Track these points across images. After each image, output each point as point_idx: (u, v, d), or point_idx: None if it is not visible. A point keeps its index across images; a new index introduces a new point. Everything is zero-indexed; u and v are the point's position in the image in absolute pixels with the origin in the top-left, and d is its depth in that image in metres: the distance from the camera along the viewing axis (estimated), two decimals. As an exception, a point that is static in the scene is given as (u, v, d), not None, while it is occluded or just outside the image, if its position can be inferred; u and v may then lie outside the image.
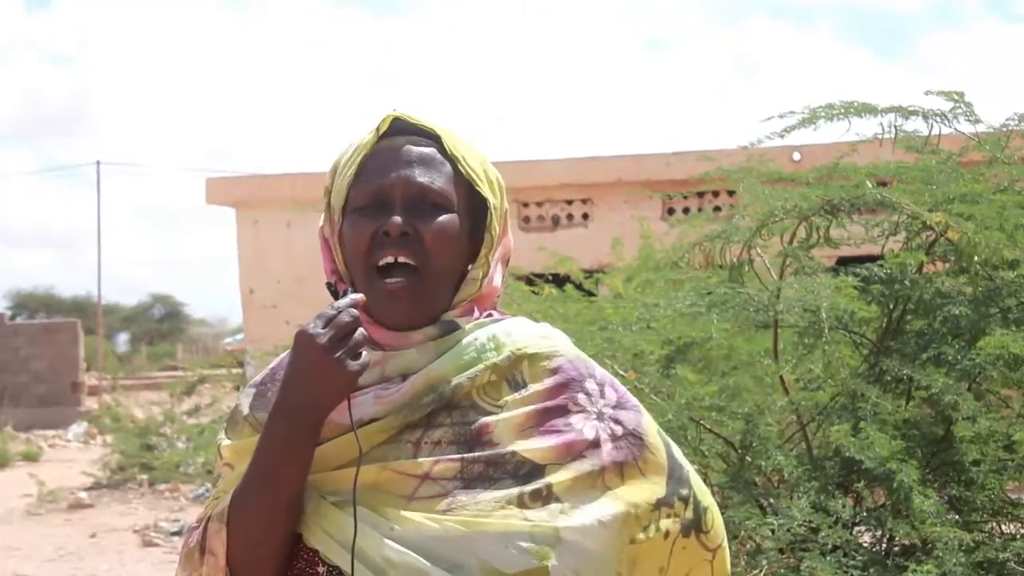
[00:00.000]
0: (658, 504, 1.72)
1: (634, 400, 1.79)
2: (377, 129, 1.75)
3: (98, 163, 52.97)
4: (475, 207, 1.76)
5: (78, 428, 23.71)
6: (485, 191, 1.75)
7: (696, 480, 1.80)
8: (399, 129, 1.75)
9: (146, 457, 15.87)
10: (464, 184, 1.74)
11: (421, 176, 1.71)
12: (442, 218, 1.71)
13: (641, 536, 1.69)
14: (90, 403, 25.88)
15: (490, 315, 1.79)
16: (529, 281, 8.22)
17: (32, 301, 53.14)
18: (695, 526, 1.76)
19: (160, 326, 58.01)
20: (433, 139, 1.75)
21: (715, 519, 1.80)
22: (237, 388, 18.80)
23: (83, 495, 14.29)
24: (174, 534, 11.55)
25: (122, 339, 53.83)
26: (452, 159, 1.74)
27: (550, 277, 8.63)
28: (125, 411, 18.33)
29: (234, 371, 17.56)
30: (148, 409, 18.26)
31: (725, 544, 1.83)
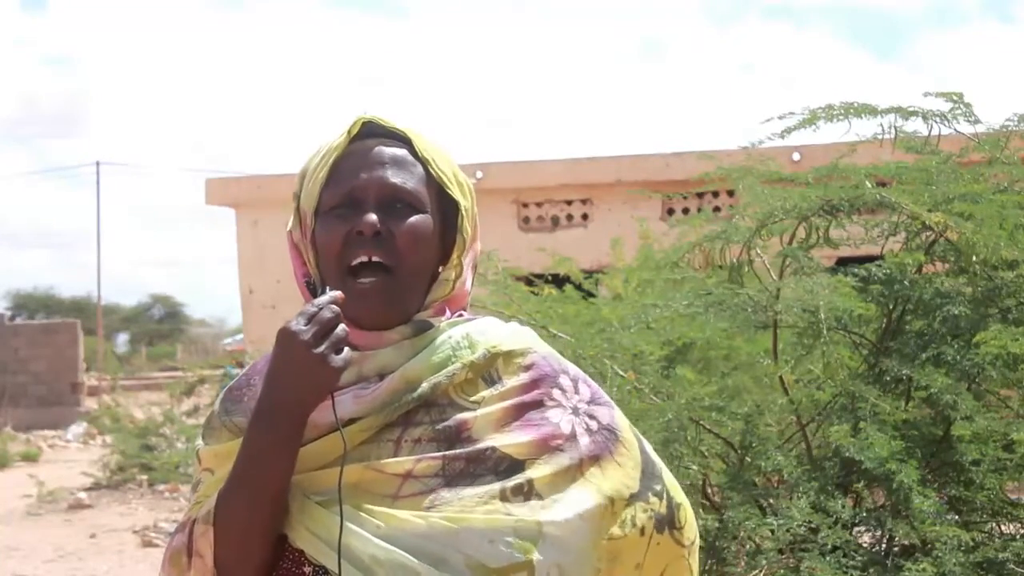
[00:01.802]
0: (631, 499, 1.74)
1: (606, 396, 1.82)
2: (348, 132, 1.76)
3: (97, 164, 53.28)
4: (445, 209, 1.77)
5: (78, 428, 23.70)
6: (455, 193, 1.77)
7: (668, 476, 1.83)
8: (370, 132, 1.76)
9: (146, 458, 15.87)
10: (435, 186, 1.76)
11: (394, 177, 1.73)
12: (414, 218, 1.72)
13: (617, 532, 1.72)
14: (90, 404, 25.87)
15: (461, 315, 1.81)
16: (528, 282, 8.21)
17: (32, 302, 53.18)
18: (668, 522, 1.78)
19: (160, 326, 58.07)
20: (404, 141, 1.76)
21: (688, 515, 1.83)
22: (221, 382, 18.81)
23: (83, 495, 14.29)
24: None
25: (122, 339, 53.87)
26: (423, 161, 1.75)
27: (549, 277, 8.61)
28: (125, 412, 18.33)
29: (234, 371, 17.54)
30: (148, 410, 18.22)
31: (697, 541, 1.85)
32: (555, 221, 15.64)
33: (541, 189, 15.43)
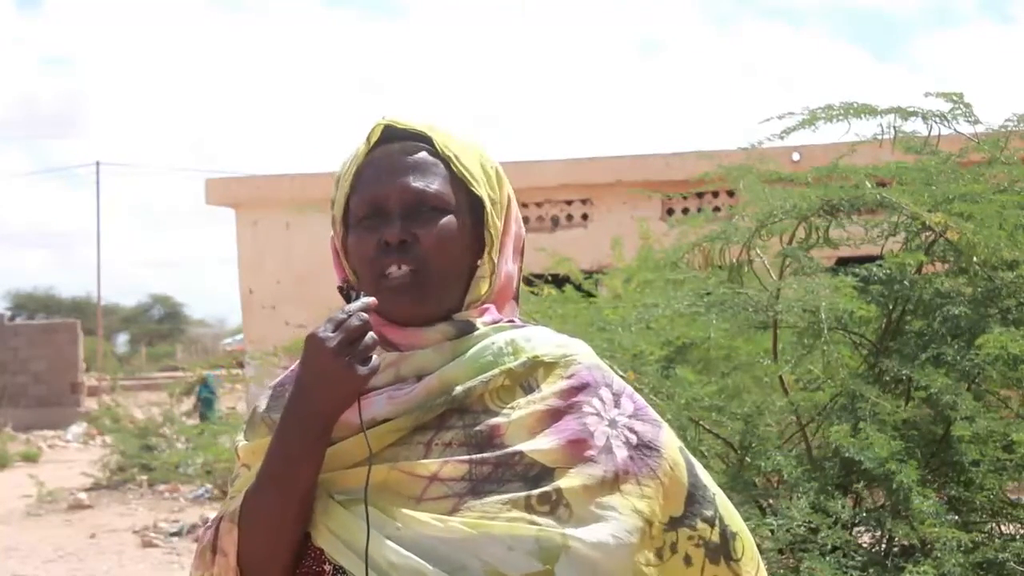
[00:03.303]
0: (672, 524, 1.69)
1: (655, 415, 1.76)
2: (368, 138, 1.75)
3: (97, 164, 53.30)
4: (475, 204, 1.75)
5: (77, 429, 23.73)
6: (480, 190, 1.74)
7: (724, 503, 1.76)
8: (391, 135, 1.75)
9: (145, 458, 15.88)
10: (461, 183, 1.74)
11: (416, 181, 1.71)
12: (441, 222, 1.70)
13: (654, 559, 1.67)
14: (89, 404, 25.89)
15: (511, 321, 1.78)
16: (528, 282, 8.22)
17: (31, 302, 53.19)
18: (723, 552, 1.72)
19: (159, 327, 58.07)
20: (425, 141, 1.75)
21: (746, 546, 1.75)
22: (195, 391, 18.79)
23: (82, 496, 14.30)
24: (173, 535, 11.55)
25: (121, 340, 53.87)
26: (445, 159, 1.74)
27: (549, 278, 8.63)
28: (124, 412, 18.33)
29: (234, 371, 17.56)
30: (147, 410, 18.25)
31: (763, 573, 1.78)
32: (555, 221, 15.64)
33: (541, 189, 15.42)
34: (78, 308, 47.78)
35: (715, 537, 1.72)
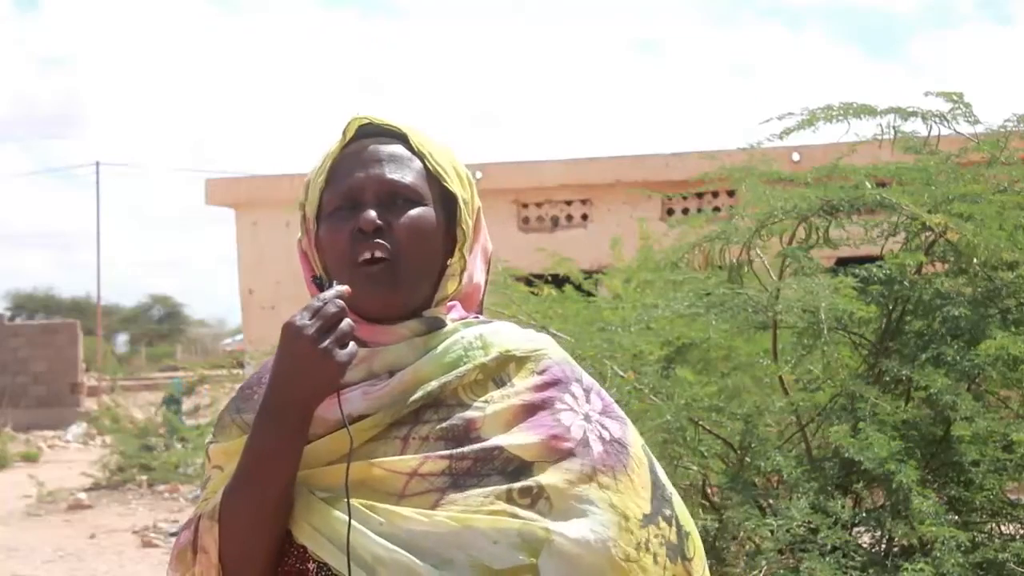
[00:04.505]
0: (645, 520, 1.70)
1: (620, 411, 1.78)
2: (343, 134, 1.76)
3: (97, 164, 53.36)
4: (448, 202, 1.76)
5: (77, 429, 23.73)
6: (454, 186, 1.76)
7: (679, 502, 1.78)
8: (366, 132, 1.76)
9: (145, 458, 15.88)
10: (435, 180, 1.75)
11: (391, 173, 1.72)
12: (414, 211, 1.71)
13: (633, 553, 1.67)
14: (89, 404, 25.86)
15: (477, 316, 1.80)
16: (528, 282, 8.21)
17: (31, 302, 53.18)
18: (680, 552, 1.73)
19: (159, 327, 58.03)
20: (400, 138, 1.76)
21: (696, 546, 1.77)
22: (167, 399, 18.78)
23: (82, 496, 14.30)
24: (173, 535, 11.53)
25: (121, 340, 53.79)
26: (420, 155, 1.75)
27: (549, 278, 8.62)
28: (124, 412, 18.33)
29: (234, 371, 17.57)
30: (147, 410, 18.26)
31: (707, 573, 1.80)
32: (555, 221, 15.64)
33: (541, 189, 15.42)
34: (78, 308, 47.76)
35: (673, 536, 1.73)
